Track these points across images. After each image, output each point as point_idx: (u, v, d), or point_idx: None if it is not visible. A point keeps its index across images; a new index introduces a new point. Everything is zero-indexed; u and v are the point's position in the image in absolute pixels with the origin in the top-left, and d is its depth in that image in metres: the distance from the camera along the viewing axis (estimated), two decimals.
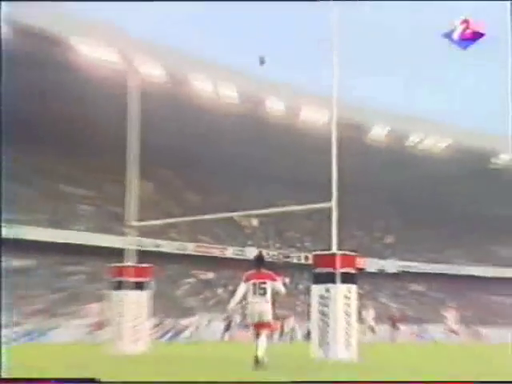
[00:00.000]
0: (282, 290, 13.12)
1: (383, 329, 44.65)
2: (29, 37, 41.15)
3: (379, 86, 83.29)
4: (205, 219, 31.39)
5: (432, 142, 59.76)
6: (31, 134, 46.24)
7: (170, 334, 41.77)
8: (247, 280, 12.90)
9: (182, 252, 51.90)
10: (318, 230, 51.27)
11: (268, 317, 12.75)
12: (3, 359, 11.30)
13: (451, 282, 63.70)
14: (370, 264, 58.02)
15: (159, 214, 40.77)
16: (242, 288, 12.91)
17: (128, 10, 23.26)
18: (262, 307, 12.70)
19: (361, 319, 38.99)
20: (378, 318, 46.24)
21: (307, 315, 29.21)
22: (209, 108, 48.22)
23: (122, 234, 32.37)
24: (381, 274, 60.41)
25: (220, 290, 49.48)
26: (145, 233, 43.20)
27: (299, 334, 43.81)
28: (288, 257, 56.75)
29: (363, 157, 53.17)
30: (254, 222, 58.98)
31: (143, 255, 23.04)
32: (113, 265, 22.17)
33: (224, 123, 47.75)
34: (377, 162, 54.49)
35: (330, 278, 16.64)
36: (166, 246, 50.90)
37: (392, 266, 62.58)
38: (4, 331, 35.15)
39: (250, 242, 55.24)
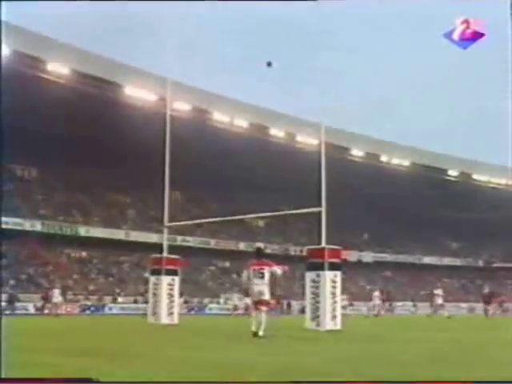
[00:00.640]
0: (278, 272, 12.94)
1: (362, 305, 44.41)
2: (90, 80, 41.37)
3: (357, 116, 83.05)
4: (222, 220, 31.19)
5: (398, 160, 59.70)
6: (90, 155, 46.35)
7: (195, 309, 41.67)
8: (249, 267, 12.91)
9: (205, 246, 51.84)
10: (310, 229, 51.07)
11: (266, 296, 12.67)
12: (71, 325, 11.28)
13: (413, 269, 63.59)
14: (351, 255, 57.74)
15: (187, 217, 40.71)
16: (245, 274, 12.99)
17: (163, 55, 23.26)
18: (261, 288, 12.63)
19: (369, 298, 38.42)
20: (357, 297, 45.99)
21: (302, 295, 29.10)
22: (225, 134, 48.18)
23: (159, 232, 32.42)
24: (359, 263, 60.16)
25: (234, 276, 49.34)
26: (176, 231, 43.19)
27: (296, 310, 43.67)
28: (287, 250, 56.58)
29: (346, 171, 53.03)
30: (261, 223, 58.87)
31: (175, 249, 22.97)
32: (151, 256, 22.10)
33: (237, 146, 47.69)
34: (356, 176, 54.30)
35: (320, 267, 16.55)
36: (193, 242, 50.82)
37: (368, 256, 62.44)
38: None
39: (258, 239, 55.08)
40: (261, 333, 12.25)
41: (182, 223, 29.68)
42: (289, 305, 45.07)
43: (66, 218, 46.28)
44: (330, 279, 16.44)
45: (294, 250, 56.16)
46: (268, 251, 58.55)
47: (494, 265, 67.16)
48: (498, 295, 38.73)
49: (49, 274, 42.10)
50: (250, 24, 76.57)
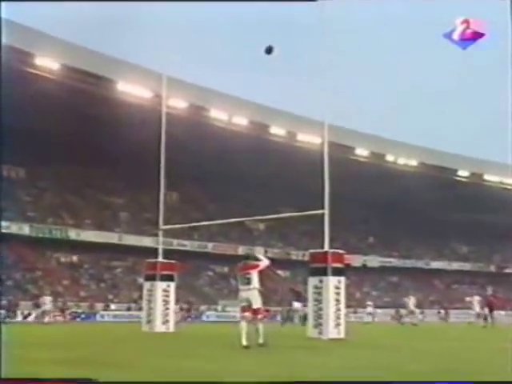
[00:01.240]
0: (266, 261, 12.76)
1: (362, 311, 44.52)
2: (82, 75, 41.30)
3: (361, 114, 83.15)
4: (220, 223, 31.21)
5: (405, 160, 59.66)
6: (81, 154, 46.35)
7: (192, 317, 41.60)
8: (236, 273, 12.81)
9: (202, 250, 51.82)
10: (313, 233, 51.04)
11: (256, 303, 12.30)
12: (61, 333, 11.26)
13: (420, 274, 63.58)
14: (356, 260, 57.71)
15: (184, 220, 40.70)
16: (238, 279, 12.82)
17: (158, 51, 23.18)
18: (248, 294, 12.33)
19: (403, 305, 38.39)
20: (361, 303, 45.93)
21: (305, 301, 29.10)
22: (224, 133, 48.16)
23: (154, 235, 32.37)
24: (364, 268, 60.14)
25: (233, 282, 49.29)
26: (172, 234, 43.15)
27: (297, 317, 43.53)
28: (289, 254, 56.60)
29: (350, 172, 53.04)
30: (261, 226, 58.88)
31: (170, 253, 22.94)
32: (146, 260, 22.09)
33: (236, 145, 47.64)
34: (361, 177, 54.26)
35: (323, 272, 16.53)
36: (189, 245, 50.81)
37: (373, 261, 62.39)
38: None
39: (257, 242, 55.08)
40: (261, 340, 12.15)
41: (178, 226, 29.66)
42: (289, 312, 44.96)
43: (55, 220, 46.29)
44: (334, 285, 16.43)
45: (295, 255, 56.18)
46: (269, 255, 58.83)
47: (507, 270, 67.12)
48: (501, 300, 39.03)
49: (37, 280, 42.08)
50: (249, 17, 76.64)
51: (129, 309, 41.49)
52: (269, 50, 15.46)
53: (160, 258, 21.07)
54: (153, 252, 22.57)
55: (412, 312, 35.40)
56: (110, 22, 62.22)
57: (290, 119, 51.97)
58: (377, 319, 43.43)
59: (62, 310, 37.43)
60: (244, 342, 11.91)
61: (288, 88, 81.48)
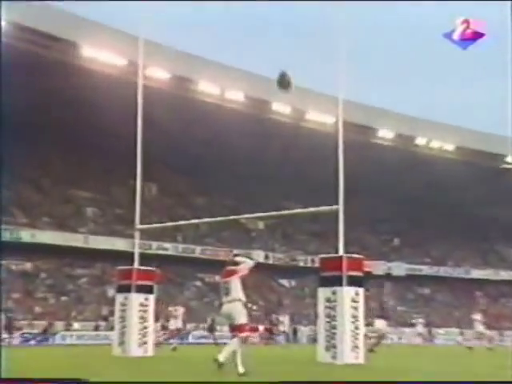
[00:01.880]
0: (248, 263, 12.61)
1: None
2: (32, 36, 41.22)
3: (386, 88, 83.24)
4: (211, 222, 31.25)
5: (439, 144, 59.75)
6: (38, 137, 46.37)
7: (176, 338, 41.64)
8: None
9: (188, 255, 51.91)
10: (324, 233, 51.29)
11: (239, 318, 12.22)
12: (4, 361, 11.32)
13: (459, 285, 63.67)
14: (378, 267, 57.90)
15: (165, 217, 40.88)
16: None
17: (135, 12, 23.13)
18: (228, 308, 12.29)
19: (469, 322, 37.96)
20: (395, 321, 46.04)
21: (314, 318, 29.28)
22: (215, 111, 48.19)
23: (128, 236, 32.44)
24: (388, 277, 60.34)
25: None
26: (151, 235, 43.31)
27: (304, 337, 43.85)
28: (294, 260, 56.79)
29: (370, 159, 53.17)
30: (260, 224, 59.02)
31: (149, 258, 23.07)
32: (118, 268, 22.19)
33: (230, 126, 47.70)
34: (384, 164, 54.38)
35: (336, 281, 16.65)
36: (172, 249, 50.91)
37: (399, 268, 62.50)
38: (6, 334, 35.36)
39: (256, 245, 55.23)
40: (240, 369, 11.88)
41: (159, 225, 29.81)
42: (295, 331, 45.30)
43: (4, 218, 46.37)
44: (350, 298, 16.56)
45: (303, 260, 56.40)
46: (270, 262, 58.98)
47: None
48: None
49: None
50: None
51: (96, 328, 41.63)
52: (283, 81, 14.91)
53: (136, 265, 21.20)
54: (127, 257, 22.67)
55: (481, 333, 34.45)
56: None
57: (297, 94, 51.76)
58: (404, 340, 43.65)
59: (10, 331, 37.01)
60: (240, 370, 11.89)
61: (293, 55, 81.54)
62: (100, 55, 43.98)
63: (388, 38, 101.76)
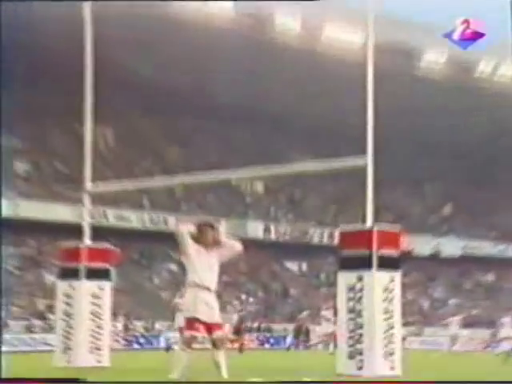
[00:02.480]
0: (236, 246, 12.93)
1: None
2: None
3: None
4: (189, 183, 31.22)
5: (506, 70, 59.57)
6: None
7: (141, 341, 42.10)
8: None
9: (157, 228, 51.99)
10: (346, 197, 51.39)
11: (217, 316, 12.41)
12: None
13: None
14: (421, 244, 58.22)
15: (125, 175, 40.95)
16: None
17: None
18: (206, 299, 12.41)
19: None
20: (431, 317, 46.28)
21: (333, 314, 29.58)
22: (197, 26, 48.09)
23: (75, 202, 32.50)
24: (436, 258, 60.65)
25: None
26: (106, 201, 43.34)
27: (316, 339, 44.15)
28: (304, 233, 56.85)
29: (411, 93, 53.17)
30: (259, 186, 59.08)
31: (103, 232, 23.18)
32: (61, 244, 22.25)
33: (217, 47, 47.67)
34: (430, 100, 54.44)
35: (363, 263, 16.70)
36: (136, 220, 51.09)
37: (453, 246, 62.73)
38: None
39: (252, 213, 55.46)
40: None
41: (117, 186, 29.82)
42: (307, 331, 45.62)
43: None
44: (383, 285, 16.64)
45: (317, 235, 56.52)
46: (271, 237, 59.48)
47: None
48: None
49: None
50: None
51: (30, 329, 41.87)
52: None
53: (86, 241, 21.30)
54: (73, 230, 22.80)
55: None
56: None
57: (310, 6, 51.92)
58: (461, 347, 43.95)
59: None
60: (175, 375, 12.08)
61: None
62: None
63: None
